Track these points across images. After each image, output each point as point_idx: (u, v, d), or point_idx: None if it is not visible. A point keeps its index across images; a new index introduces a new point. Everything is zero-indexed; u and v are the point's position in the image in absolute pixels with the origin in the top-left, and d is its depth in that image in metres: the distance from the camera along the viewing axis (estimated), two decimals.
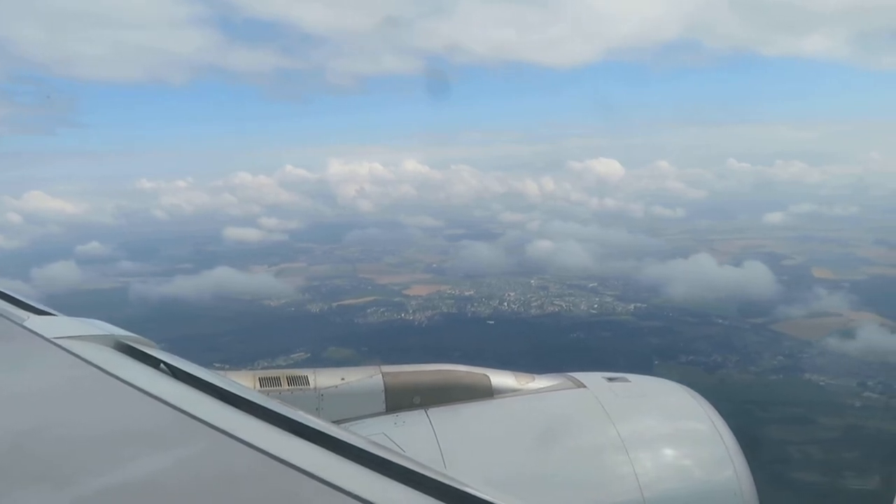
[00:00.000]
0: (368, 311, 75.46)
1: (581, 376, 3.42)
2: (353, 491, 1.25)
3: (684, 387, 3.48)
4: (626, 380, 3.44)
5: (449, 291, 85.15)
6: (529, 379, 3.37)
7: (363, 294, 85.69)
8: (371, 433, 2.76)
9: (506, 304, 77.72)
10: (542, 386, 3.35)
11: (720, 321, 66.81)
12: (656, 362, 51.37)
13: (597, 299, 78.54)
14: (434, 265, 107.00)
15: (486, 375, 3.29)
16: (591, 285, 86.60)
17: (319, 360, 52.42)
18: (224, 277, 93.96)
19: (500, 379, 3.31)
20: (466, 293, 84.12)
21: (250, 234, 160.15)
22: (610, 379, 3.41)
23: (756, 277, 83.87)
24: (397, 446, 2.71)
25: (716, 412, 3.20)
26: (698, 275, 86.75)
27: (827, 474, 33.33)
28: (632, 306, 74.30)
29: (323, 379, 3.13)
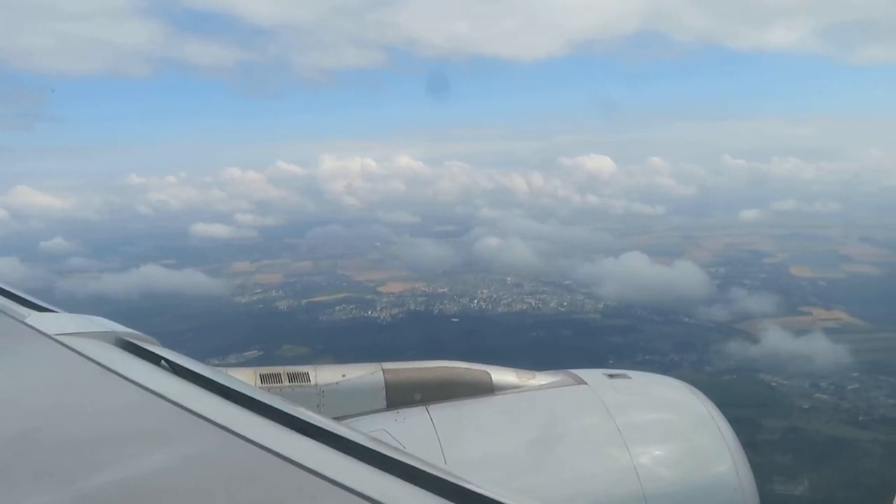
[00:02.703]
0: (337, 308, 74.98)
1: (581, 373, 3.41)
2: (354, 487, 1.24)
3: (685, 383, 3.45)
4: (626, 376, 3.42)
5: (423, 289, 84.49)
6: (530, 376, 3.36)
7: (336, 291, 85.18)
8: (372, 430, 2.76)
9: (476, 301, 77.09)
10: (542, 383, 3.34)
11: (686, 320, 65.99)
12: (611, 361, 50.54)
13: (568, 297, 77.83)
14: (410, 262, 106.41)
15: (486, 372, 3.29)
16: (566, 283, 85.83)
17: (272, 358, 51.95)
18: (152, 275, 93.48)
19: (501, 375, 3.30)
20: (440, 290, 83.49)
21: (219, 231, 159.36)
22: (610, 375, 3.40)
23: (725, 276, 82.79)
24: (398, 443, 2.69)
25: (716, 408, 3.18)
26: (633, 273, 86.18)
27: (754, 479, 32.46)
28: (601, 304, 73.57)
29: (324, 375, 3.14)
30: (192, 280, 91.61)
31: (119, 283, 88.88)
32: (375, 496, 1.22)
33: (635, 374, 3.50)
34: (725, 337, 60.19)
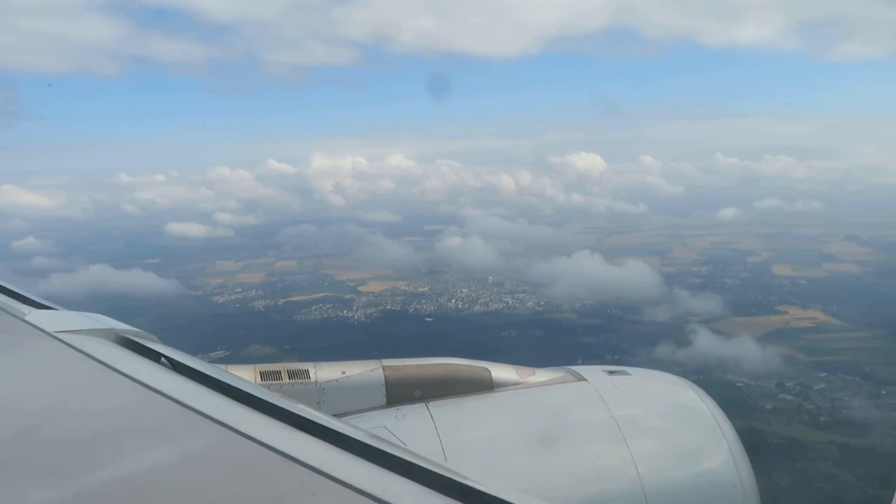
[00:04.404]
0: (313, 307, 74.50)
1: (581, 370, 3.41)
2: (354, 484, 1.25)
3: (684, 380, 3.46)
4: (626, 373, 3.42)
5: (403, 288, 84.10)
6: (530, 372, 3.36)
7: (316, 290, 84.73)
8: (372, 426, 2.76)
9: (453, 300, 76.65)
10: (542, 379, 3.34)
11: (657, 319, 65.43)
12: (579, 361, 49.88)
13: (546, 296, 77.30)
14: (393, 261, 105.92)
15: (486, 369, 3.29)
16: (545, 282, 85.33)
17: (238, 359, 51.31)
18: (100, 275, 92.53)
19: (501, 372, 3.31)
20: (420, 289, 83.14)
21: (194, 230, 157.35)
22: (610, 372, 3.40)
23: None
24: (398, 440, 2.70)
25: (716, 405, 3.18)
26: (585, 272, 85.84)
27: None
28: (578, 304, 73.11)
29: (324, 372, 3.15)
30: (142, 280, 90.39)
31: (68, 283, 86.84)
32: (375, 493, 1.22)
33: (635, 371, 3.49)
34: (699, 336, 59.64)
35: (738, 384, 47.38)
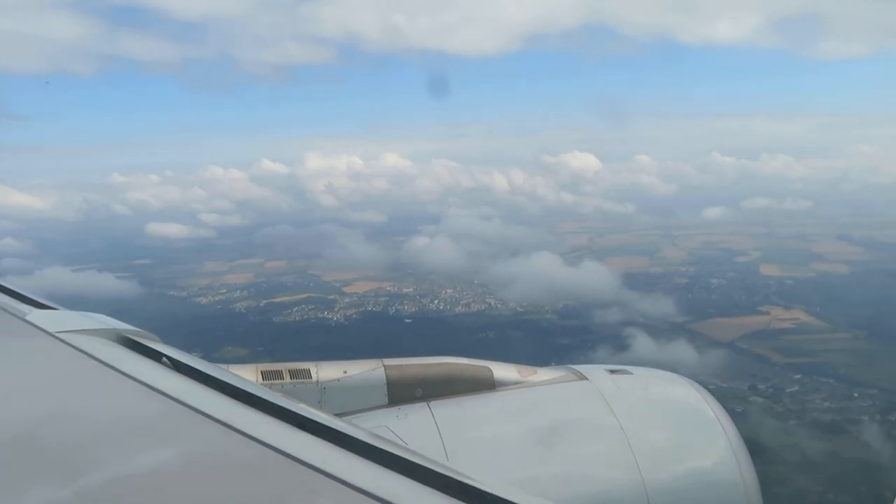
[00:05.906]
0: (295, 308, 74.21)
1: (583, 369, 3.41)
2: (356, 483, 1.25)
3: (687, 379, 3.47)
4: (627, 372, 3.43)
5: (388, 289, 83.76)
6: (531, 372, 3.38)
7: (301, 291, 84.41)
8: (373, 426, 2.74)
9: (436, 301, 76.28)
10: (544, 378, 3.35)
11: (641, 320, 64.86)
12: (553, 362, 49.44)
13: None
14: (373, 262, 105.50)
15: (488, 368, 3.30)
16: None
17: (209, 360, 51.02)
18: (53, 278, 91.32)
19: (503, 371, 3.32)
20: (405, 290, 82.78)
21: (175, 231, 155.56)
22: (612, 371, 3.40)
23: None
24: (400, 439, 2.71)
25: (718, 404, 3.18)
26: (544, 273, 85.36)
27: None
28: (561, 304, 72.62)
29: (325, 372, 3.15)
30: (95, 281, 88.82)
31: (20, 286, 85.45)
32: (377, 492, 1.22)
33: (637, 370, 3.50)
34: (680, 338, 59.12)
35: (710, 386, 46.60)
